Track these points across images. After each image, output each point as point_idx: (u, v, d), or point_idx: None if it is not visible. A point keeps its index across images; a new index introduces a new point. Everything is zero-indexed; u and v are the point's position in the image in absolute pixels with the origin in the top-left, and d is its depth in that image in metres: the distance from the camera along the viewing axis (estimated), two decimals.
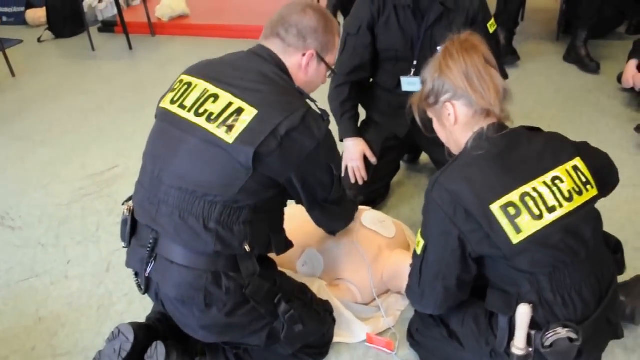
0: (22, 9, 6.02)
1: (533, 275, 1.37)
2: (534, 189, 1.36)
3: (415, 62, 2.31)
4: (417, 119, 1.65)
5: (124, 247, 1.67)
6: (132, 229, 1.61)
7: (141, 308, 2.09)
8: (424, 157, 2.84)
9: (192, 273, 1.48)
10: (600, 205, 1.48)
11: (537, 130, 1.53)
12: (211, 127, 1.44)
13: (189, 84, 1.55)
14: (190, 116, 1.49)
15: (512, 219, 1.33)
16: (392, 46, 2.31)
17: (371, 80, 2.50)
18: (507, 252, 1.35)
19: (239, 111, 1.44)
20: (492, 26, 2.35)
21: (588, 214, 1.42)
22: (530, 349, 1.38)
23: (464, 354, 1.58)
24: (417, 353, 1.81)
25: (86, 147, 3.35)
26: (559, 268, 1.36)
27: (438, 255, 1.45)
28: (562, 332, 1.35)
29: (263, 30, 1.65)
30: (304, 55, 1.60)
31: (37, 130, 3.64)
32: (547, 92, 3.63)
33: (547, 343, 1.35)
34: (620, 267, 1.59)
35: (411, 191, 2.71)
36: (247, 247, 1.50)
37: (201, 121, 1.46)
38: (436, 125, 1.60)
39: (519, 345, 1.37)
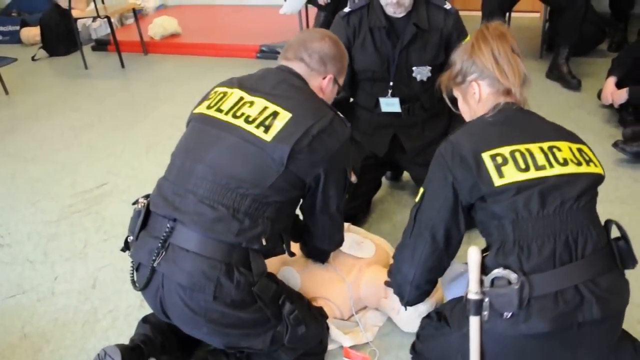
0: (17, 27, 6.13)
1: (500, 222, 1.44)
2: (527, 149, 1.45)
3: (391, 83, 2.37)
4: (445, 97, 1.78)
5: (129, 240, 1.74)
6: (143, 222, 1.68)
7: (125, 324, 2.13)
8: (407, 174, 2.90)
9: (207, 262, 1.55)
10: None
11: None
12: (250, 127, 1.60)
13: (225, 93, 1.71)
14: (228, 118, 1.64)
15: (498, 166, 1.43)
16: (369, 67, 2.38)
17: (351, 99, 2.57)
18: (487, 191, 1.44)
19: (275, 114, 1.61)
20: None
21: (581, 182, 1.43)
22: (482, 294, 1.42)
23: (451, 337, 1.61)
24: None
25: (76, 164, 3.42)
26: (523, 216, 1.41)
27: (432, 202, 1.55)
28: (501, 272, 1.39)
29: (283, 53, 1.83)
30: (324, 78, 1.80)
31: (28, 147, 3.70)
32: (529, 108, 3.69)
33: (487, 282, 1.41)
34: (625, 259, 1.48)
35: (393, 208, 2.77)
36: (263, 241, 1.61)
37: (240, 122, 1.62)
38: (461, 103, 1.72)
39: (472, 289, 1.42)
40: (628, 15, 4.62)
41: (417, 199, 1.62)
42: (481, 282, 1.42)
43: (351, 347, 1.93)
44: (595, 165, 1.50)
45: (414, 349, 1.83)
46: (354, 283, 2.04)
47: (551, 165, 1.43)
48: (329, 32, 1.92)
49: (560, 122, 3.42)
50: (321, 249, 1.99)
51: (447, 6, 2.37)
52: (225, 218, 1.56)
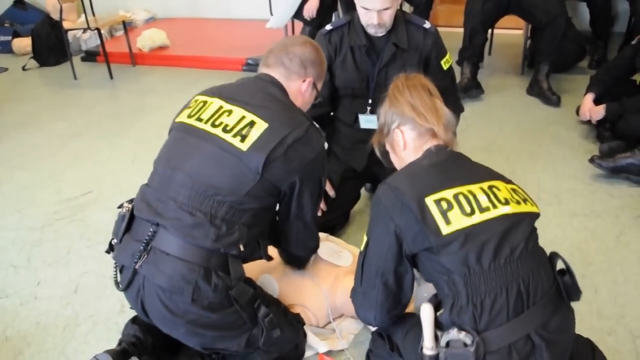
0: (10, 37, 6.17)
1: (450, 277, 1.41)
2: (470, 191, 1.45)
3: (370, 101, 2.43)
4: (379, 154, 1.79)
5: (113, 243, 1.79)
6: (127, 225, 1.73)
7: (105, 329, 2.17)
8: None
9: (186, 266, 1.60)
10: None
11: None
12: (227, 137, 1.65)
13: (205, 102, 1.76)
14: (207, 127, 1.69)
15: (444, 212, 1.41)
16: (349, 84, 2.44)
17: (332, 114, 2.63)
18: (436, 242, 1.41)
19: (252, 124, 1.66)
20: (446, 63, 2.48)
21: (523, 223, 1.45)
22: (438, 350, 1.41)
23: None
24: None
25: (62, 172, 3.45)
26: (475, 271, 1.38)
27: (377, 251, 1.54)
28: (456, 335, 1.37)
29: (264, 59, 1.89)
30: (303, 81, 1.87)
31: (15, 155, 3.73)
32: (509, 124, 3.78)
33: (442, 343, 1.40)
34: (571, 292, 1.50)
35: None
36: (241, 247, 1.65)
37: (218, 131, 1.67)
38: (392, 156, 1.73)
39: (427, 344, 1.43)
40: (608, 33, 4.72)
41: (361, 247, 1.61)
42: (436, 337, 1.42)
43: (326, 354, 1.97)
44: (532, 204, 1.52)
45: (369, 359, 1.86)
46: (331, 291, 2.08)
47: (494, 206, 1.43)
48: (310, 39, 1.99)
49: (540, 137, 3.56)
50: (296, 255, 2.03)
51: (427, 25, 2.42)
52: (204, 224, 1.60)
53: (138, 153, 3.63)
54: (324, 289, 2.07)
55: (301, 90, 1.88)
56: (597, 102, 3.36)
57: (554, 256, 1.53)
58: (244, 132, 1.65)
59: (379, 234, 1.52)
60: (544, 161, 3.27)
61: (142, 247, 1.64)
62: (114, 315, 2.24)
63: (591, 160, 3.04)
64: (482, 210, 1.42)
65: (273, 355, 1.81)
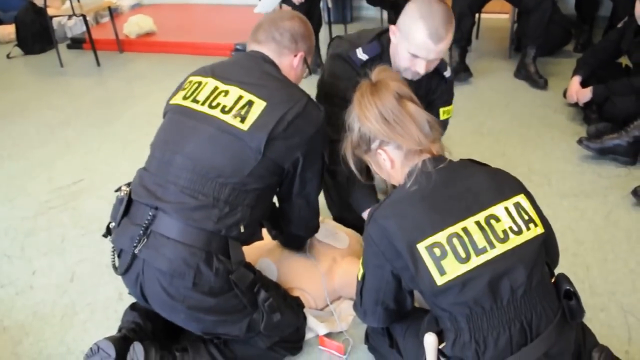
0: None
1: (452, 315, 1.37)
2: (464, 229, 1.34)
3: None
4: (353, 167, 1.65)
5: (111, 227, 1.77)
6: (125, 209, 1.73)
7: (104, 316, 2.18)
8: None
9: (187, 249, 1.60)
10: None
11: (485, 165, 1.54)
12: (227, 118, 1.65)
13: (199, 83, 1.75)
14: (204, 109, 1.69)
15: (437, 260, 1.33)
16: None
17: None
18: (431, 291, 1.36)
19: (250, 103, 1.66)
20: (445, 113, 2.34)
21: (525, 257, 1.36)
22: None
23: None
24: (374, 356, 1.90)
25: (53, 161, 3.43)
26: (476, 312, 1.34)
27: (375, 285, 1.51)
28: None
29: (253, 35, 1.87)
30: (295, 56, 1.86)
31: (4, 144, 3.71)
32: (498, 107, 3.82)
33: None
34: (575, 314, 1.45)
35: None
36: (242, 228, 1.66)
37: (216, 112, 1.66)
38: (375, 168, 1.62)
39: None
40: (593, 17, 4.75)
41: (358, 277, 1.57)
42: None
43: (326, 336, 1.99)
44: (536, 225, 1.40)
45: (368, 341, 1.89)
46: (329, 274, 2.11)
47: (492, 246, 1.34)
48: (297, 12, 1.98)
49: (528, 120, 3.60)
50: (297, 236, 2.04)
51: (447, 74, 2.29)
52: (206, 206, 1.61)
53: (129, 140, 3.63)
54: (322, 272, 2.09)
55: (293, 66, 1.87)
56: (583, 84, 3.41)
57: (561, 281, 1.49)
58: (243, 112, 1.64)
59: (375, 270, 1.48)
60: (534, 143, 3.31)
61: (141, 231, 1.64)
62: (112, 303, 2.25)
63: (579, 141, 3.08)
64: (479, 252, 1.33)
65: (274, 339, 1.83)
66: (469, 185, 1.42)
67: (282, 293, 1.91)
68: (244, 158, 1.64)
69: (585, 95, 3.32)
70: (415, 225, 1.37)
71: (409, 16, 1.92)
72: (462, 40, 4.14)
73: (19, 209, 2.94)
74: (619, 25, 3.39)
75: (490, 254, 1.34)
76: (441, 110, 2.32)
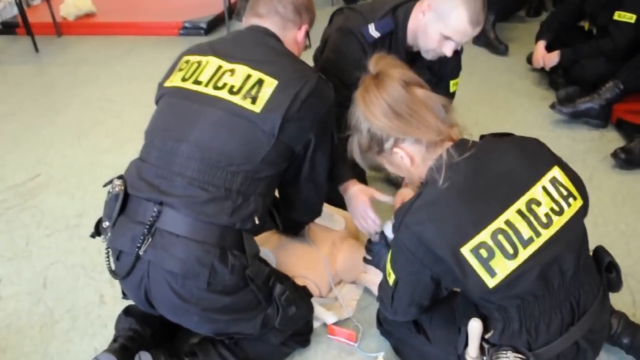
0: None
1: (500, 306, 1.32)
2: (507, 222, 1.26)
3: None
4: (364, 165, 1.59)
5: (105, 226, 1.60)
6: (121, 205, 1.57)
7: (87, 323, 2.02)
8: None
9: (201, 247, 1.48)
10: None
11: (509, 135, 1.44)
12: (236, 99, 1.51)
13: (199, 62, 1.60)
14: (209, 90, 1.55)
15: (485, 262, 1.25)
16: None
17: None
18: (481, 294, 1.30)
19: (260, 82, 1.52)
20: (454, 85, 2.30)
21: (571, 237, 1.32)
22: (484, 358, 1.37)
23: (431, 348, 1.58)
24: (388, 341, 1.84)
25: (2, 157, 3.16)
26: (528, 301, 1.30)
27: (410, 290, 1.43)
28: (510, 356, 1.32)
29: (252, 9, 1.72)
30: (299, 29, 1.75)
31: None
32: (462, 75, 3.76)
33: (491, 355, 1.35)
34: (614, 286, 1.47)
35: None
36: (256, 219, 1.55)
37: (223, 94, 1.53)
38: (392, 168, 1.49)
39: (471, 354, 1.38)
40: None
41: (390, 282, 1.45)
42: (482, 348, 1.37)
43: (334, 324, 1.92)
44: (575, 198, 1.34)
45: (381, 325, 1.83)
46: (330, 258, 2.03)
47: (538, 234, 1.27)
48: None
49: (495, 87, 3.58)
50: (298, 221, 1.95)
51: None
52: (218, 199, 1.49)
53: (84, 129, 3.37)
54: (324, 257, 2.00)
55: (297, 40, 1.76)
56: (547, 49, 3.41)
57: (601, 253, 1.48)
58: (253, 92, 1.51)
59: (411, 276, 1.39)
60: (504, 110, 3.30)
61: (145, 230, 1.49)
62: (94, 308, 2.09)
63: (552, 106, 3.10)
64: (526, 244, 1.26)
65: (287, 333, 1.73)
66: (502, 169, 1.32)
67: (292, 284, 1.80)
68: (257, 143, 1.51)
69: (552, 59, 3.32)
70: (455, 227, 1.27)
71: None
72: None
73: None
74: None
75: (537, 243, 1.27)
76: (451, 82, 2.26)
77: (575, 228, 1.33)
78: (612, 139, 2.99)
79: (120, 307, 1.86)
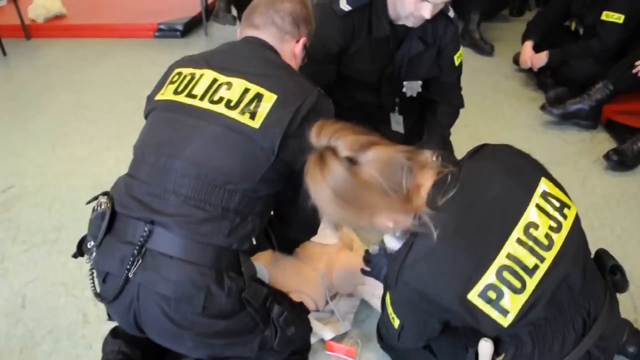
0: None
1: (513, 333, 1.28)
2: (509, 256, 1.20)
3: (397, 100, 2.27)
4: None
5: (89, 246, 1.50)
6: (108, 224, 1.47)
7: (71, 344, 1.89)
8: None
9: (196, 269, 1.40)
10: None
11: (485, 147, 1.37)
12: (233, 114, 1.44)
13: (192, 75, 1.51)
14: (204, 104, 1.46)
15: (495, 303, 1.19)
16: (359, 76, 2.20)
17: None
18: (496, 332, 1.27)
19: (259, 97, 1.45)
20: (459, 57, 2.27)
21: (573, 250, 1.27)
22: None
23: None
24: (389, 355, 1.76)
25: None
26: (540, 324, 1.26)
27: (418, 331, 1.39)
28: None
29: (248, 19, 1.66)
30: (297, 42, 1.67)
31: None
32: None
33: None
34: (620, 287, 1.45)
35: None
36: (253, 240, 1.49)
37: (220, 108, 1.45)
38: (375, 231, 1.34)
39: None
40: None
41: (395, 325, 1.38)
42: None
43: (332, 340, 1.83)
44: (568, 207, 1.29)
45: (381, 339, 1.76)
46: (327, 271, 1.94)
47: (542, 259, 1.21)
48: None
49: (482, 88, 3.53)
50: (294, 240, 1.87)
51: (451, 14, 2.15)
52: (215, 218, 1.41)
53: (58, 137, 3.22)
54: (321, 271, 1.92)
55: (295, 53, 1.68)
56: (534, 49, 3.37)
57: (604, 257, 1.46)
58: (252, 107, 1.44)
59: (417, 322, 1.35)
60: (493, 112, 3.26)
61: (135, 251, 1.40)
62: (77, 328, 1.96)
63: (542, 108, 3.07)
64: (532, 273, 1.20)
65: (285, 354, 1.65)
66: (492, 197, 1.24)
67: (289, 302, 1.71)
68: (256, 161, 1.45)
69: (540, 60, 3.29)
70: (459, 276, 1.20)
71: None
72: None
73: None
74: None
75: (543, 269, 1.22)
76: (455, 57, 2.22)
77: (576, 238, 1.29)
78: (603, 140, 2.96)
79: (105, 326, 1.76)
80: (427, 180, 1.25)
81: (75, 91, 3.81)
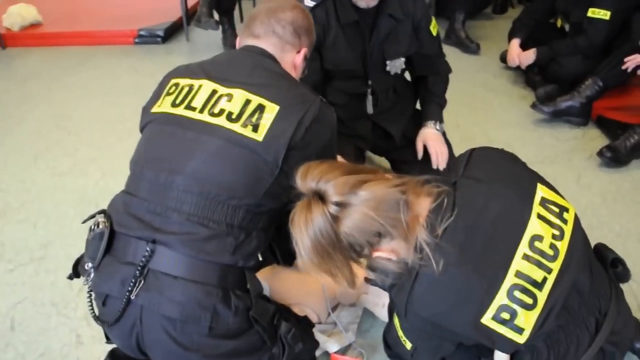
0: None
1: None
2: (518, 274, 1.18)
3: (370, 82, 2.25)
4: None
5: (87, 268, 1.44)
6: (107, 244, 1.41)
7: None
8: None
9: (201, 289, 1.35)
10: None
11: (472, 156, 1.35)
12: (236, 127, 1.38)
13: (191, 86, 1.45)
14: (204, 117, 1.41)
15: (510, 323, 1.18)
16: (343, 66, 2.20)
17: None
18: (514, 349, 1.25)
19: (261, 108, 1.40)
20: (434, 28, 2.30)
21: (578, 253, 1.26)
22: None
23: None
24: None
25: None
26: (553, 331, 1.26)
27: (432, 354, 1.38)
28: None
29: (248, 28, 1.61)
30: (298, 52, 1.62)
31: None
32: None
33: None
34: (623, 278, 1.47)
35: None
36: (259, 256, 1.46)
37: (221, 121, 1.39)
38: (371, 274, 1.28)
39: None
40: None
41: (407, 347, 1.37)
42: None
43: (337, 352, 1.79)
44: (567, 210, 1.29)
45: (389, 348, 1.69)
46: (328, 282, 1.88)
47: (549, 270, 1.20)
48: (296, 1, 1.73)
49: (471, 87, 3.50)
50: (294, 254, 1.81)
51: None
52: (219, 235, 1.36)
53: (40, 150, 3.12)
54: (323, 283, 1.87)
55: (295, 64, 1.63)
56: (521, 46, 3.36)
57: (604, 251, 1.48)
58: (254, 119, 1.38)
59: (431, 347, 1.35)
60: (484, 111, 3.23)
61: (137, 272, 1.34)
62: (71, 350, 1.89)
63: (533, 105, 3.06)
64: (541, 287, 1.19)
65: None
66: (493, 216, 1.22)
67: (294, 316, 1.66)
68: (260, 175, 1.39)
69: (528, 57, 3.28)
70: (470, 302, 1.19)
71: None
72: None
73: None
74: None
75: (551, 280, 1.21)
76: (430, 28, 2.25)
77: (579, 240, 1.28)
78: (595, 137, 2.95)
79: (100, 347, 1.72)
80: (423, 209, 1.23)
81: (55, 102, 3.71)
